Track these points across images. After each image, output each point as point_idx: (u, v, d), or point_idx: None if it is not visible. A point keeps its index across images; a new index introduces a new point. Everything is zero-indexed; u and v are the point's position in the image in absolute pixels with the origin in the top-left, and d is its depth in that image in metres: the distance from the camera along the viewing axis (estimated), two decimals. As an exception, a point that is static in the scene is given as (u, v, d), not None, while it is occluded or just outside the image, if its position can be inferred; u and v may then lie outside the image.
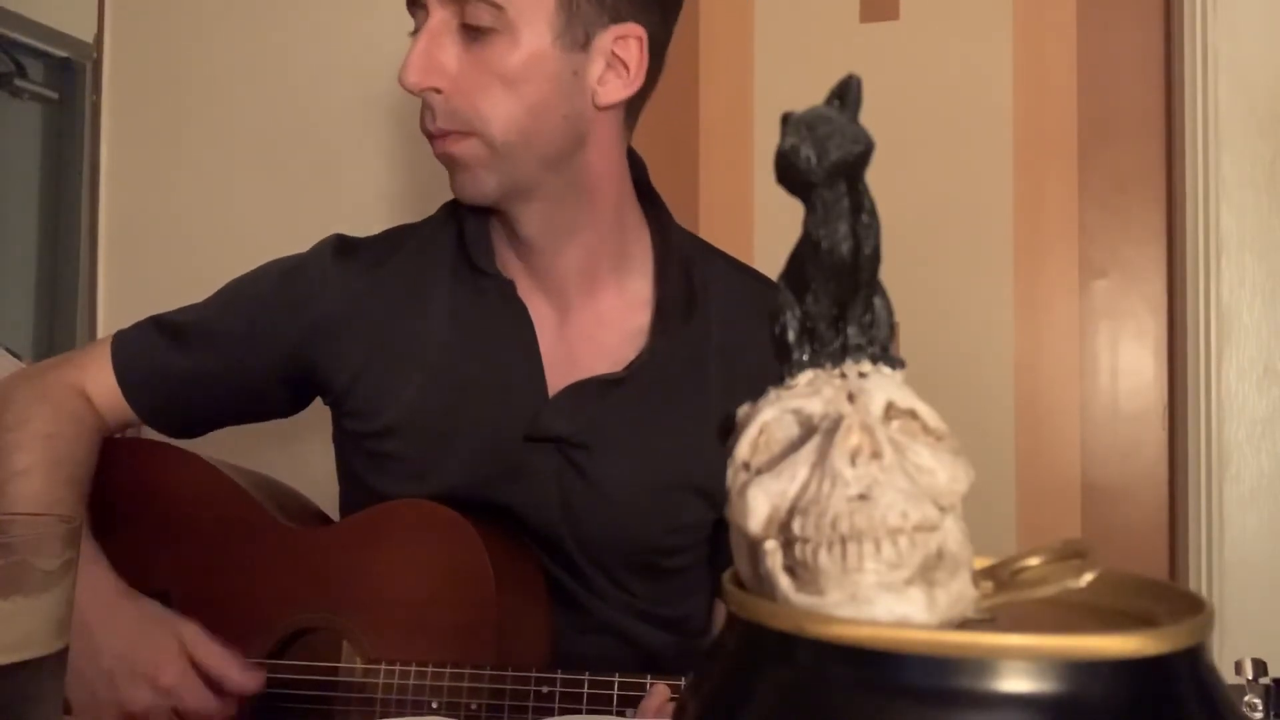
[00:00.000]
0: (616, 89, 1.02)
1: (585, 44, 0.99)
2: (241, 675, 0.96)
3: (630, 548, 1.06)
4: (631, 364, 1.04)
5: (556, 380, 1.05)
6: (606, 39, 1.00)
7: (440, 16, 0.98)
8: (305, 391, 1.14)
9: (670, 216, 1.12)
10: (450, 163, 1.02)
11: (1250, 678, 0.67)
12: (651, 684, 0.91)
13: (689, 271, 1.08)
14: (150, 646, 0.94)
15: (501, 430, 1.04)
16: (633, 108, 1.07)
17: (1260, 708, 0.66)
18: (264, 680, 0.97)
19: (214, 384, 1.11)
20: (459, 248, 1.09)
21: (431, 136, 1.01)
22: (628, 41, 1.01)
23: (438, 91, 0.99)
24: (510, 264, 1.08)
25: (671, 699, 0.90)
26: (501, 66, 0.97)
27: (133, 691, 0.93)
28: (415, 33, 1.00)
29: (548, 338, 1.06)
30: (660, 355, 1.05)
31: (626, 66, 1.01)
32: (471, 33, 0.97)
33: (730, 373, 1.06)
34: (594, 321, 1.08)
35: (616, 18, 1.00)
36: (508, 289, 1.06)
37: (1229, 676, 0.66)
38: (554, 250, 1.06)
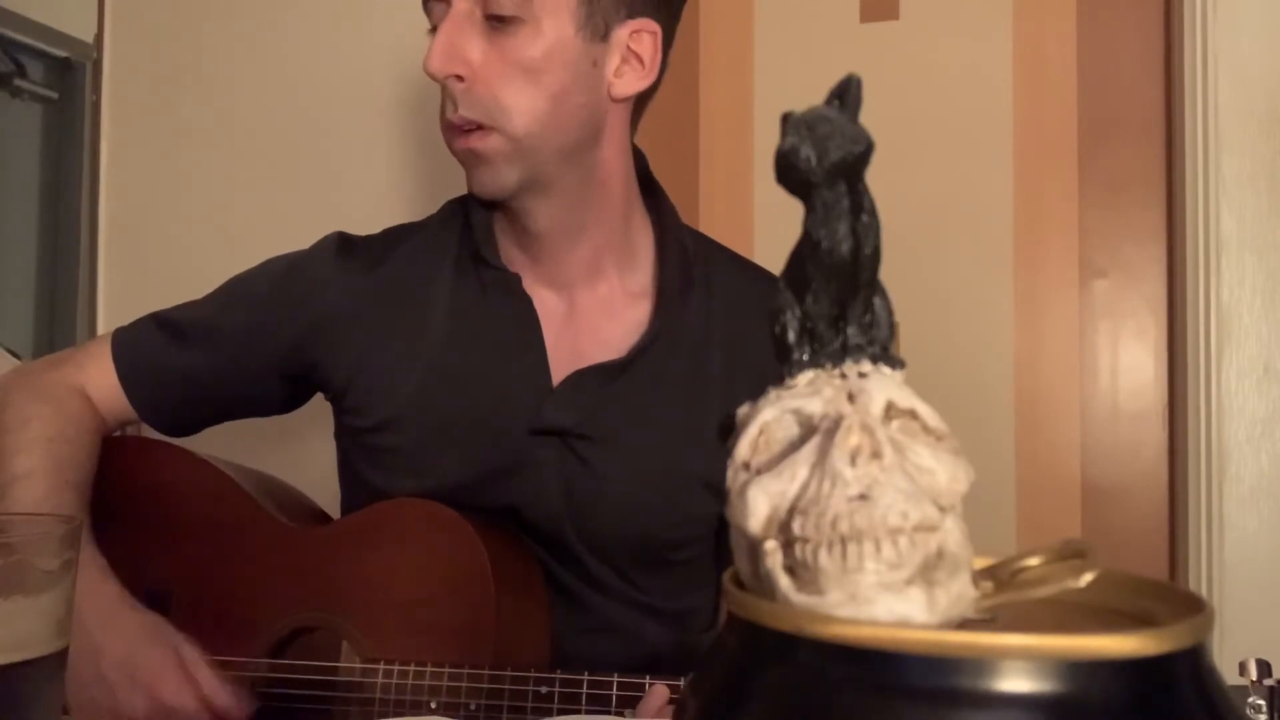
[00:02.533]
0: (631, 81, 1.04)
1: (605, 35, 1.01)
2: (228, 701, 0.96)
3: (636, 541, 1.06)
4: (632, 351, 1.05)
5: (560, 373, 1.05)
6: (623, 33, 1.02)
7: (463, 7, 1.00)
8: (305, 388, 1.14)
9: (672, 209, 1.13)
10: (471, 158, 1.03)
11: (1254, 678, 0.67)
12: (651, 684, 0.91)
13: (689, 262, 1.09)
14: (150, 656, 0.94)
15: (504, 424, 1.04)
16: (639, 105, 1.08)
17: (1265, 709, 0.66)
18: (251, 710, 0.97)
19: (215, 381, 1.11)
20: (461, 244, 1.10)
21: (453, 128, 1.02)
22: (642, 36, 1.03)
23: (460, 80, 1.00)
24: (515, 259, 1.09)
25: (672, 700, 0.90)
26: (524, 56, 0.99)
27: (130, 699, 0.93)
28: (434, 30, 1.01)
29: (552, 331, 1.07)
30: (661, 342, 1.05)
31: (641, 61, 1.04)
32: (495, 22, 0.99)
33: (732, 366, 1.07)
34: (597, 314, 1.08)
35: (633, 13, 1.02)
36: (513, 283, 1.07)
37: (1231, 677, 0.66)
38: (564, 246, 1.07)
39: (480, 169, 1.03)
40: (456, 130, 1.02)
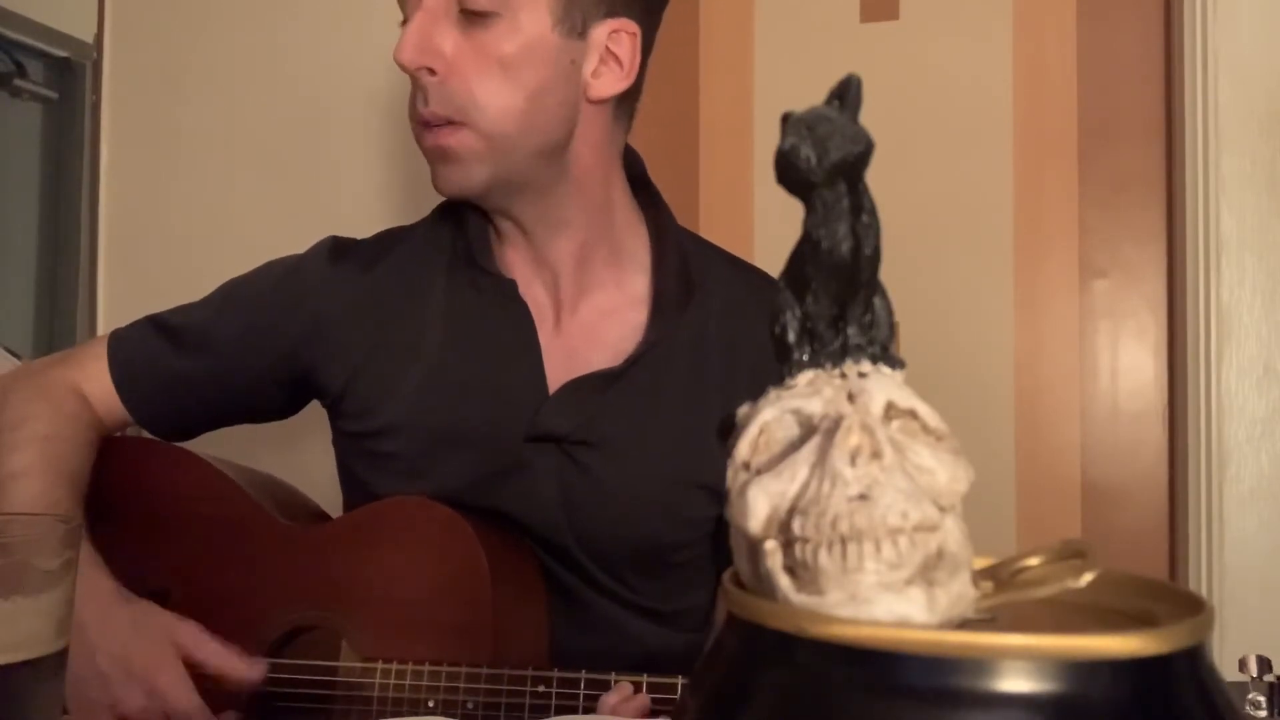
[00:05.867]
0: (609, 83, 1.02)
1: (583, 33, 1.00)
2: (243, 667, 0.96)
3: (634, 545, 1.06)
4: (629, 357, 1.04)
5: (556, 379, 1.05)
6: (602, 32, 1.01)
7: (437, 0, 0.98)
8: (301, 393, 1.13)
9: (668, 212, 1.12)
10: (441, 155, 1.01)
11: (1254, 675, 0.67)
12: (616, 682, 0.91)
13: (686, 265, 1.08)
14: (145, 649, 0.94)
15: (501, 430, 1.04)
16: (623, 108, 1.07)
17: (1264, 705, 0.66)
18: (266, 670, 0.97)
19: (210, 386, 1.11)
20: (455, 248, 1.09)
21: (423, 123, 1.01)
22: (621, 36, 1.02)
23: (432, 73, 0.99)
24: (508, 264, 1.08)
25: (659, 699, 0.90)
26: (500, 51, 0.97)
27: (126, 693, 0.93)
28: (405, 23, 1.00)
29: (547, 336, 1.06)
30: (659, 347, 1.05)
31: (619, 62, 1.02)
32: (470, 17, 0.98)
33: (730, 367, 1.06)
34: (593, 319, 1.08)
35: (612, 12, 1.01)
36: (508, 288, 1.06)
37: (1232, 675, 0.66)
38: (546, 239, 1.07)
39: (448, 166, 1.01)
40: (426, 125, 1.00)
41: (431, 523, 1.00)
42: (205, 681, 0.96)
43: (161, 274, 1.77)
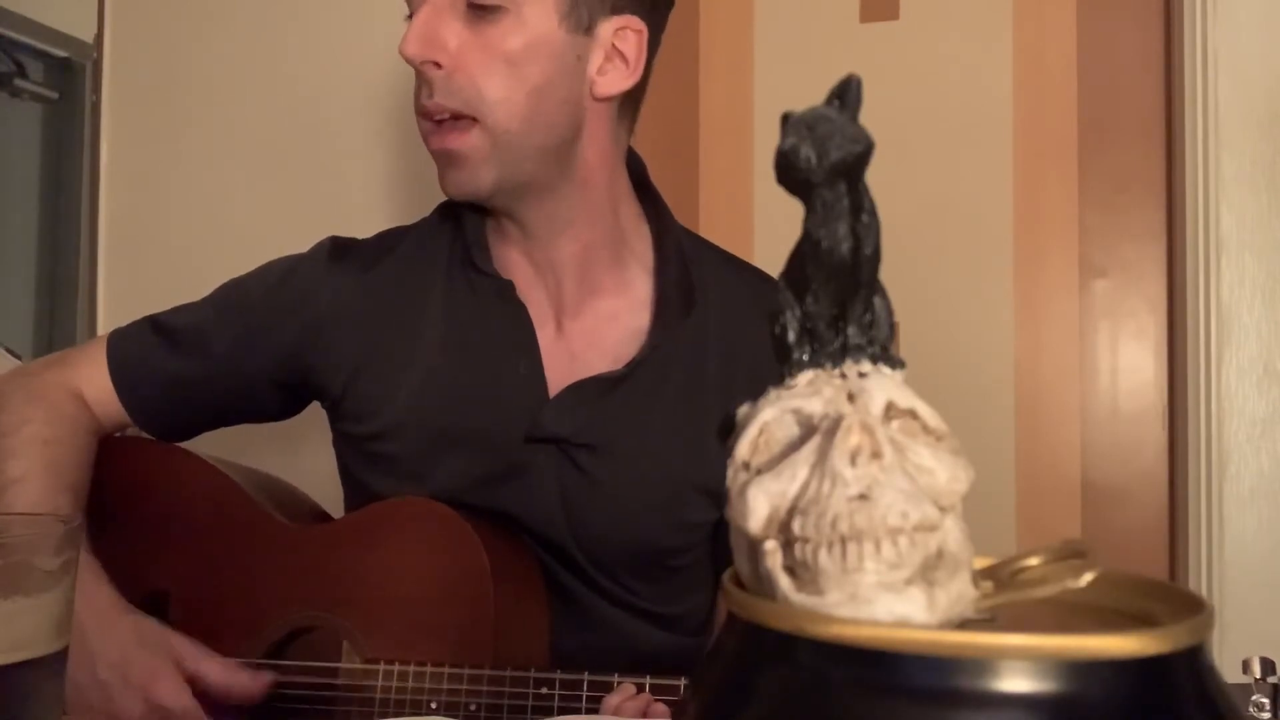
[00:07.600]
0: (615, 80, 1.02)
1: (589, 29, 1.00)
2: (246, 680, 0.96)
3: (634, 548, 1.05)
4: (631, 361, 1.04)
5: (557, 380, 1.04)
6: (607, 29, 1.00)
7: None
8: (300, 394, 1.13)
9: (670, 214, 1.12)
10: (448, 158, 1.01)
11: (1258, 676, 0.67)
12: (619, 683, 0.91)
13: (688, 268, 1.08)
14: (145, 659, 0.94)
15: (501, 431, 1.04)
16: (627, 106, 1.07)
17: (1268, 707, 0.66)
18: (270, 683, 0.97)
19: (209, 387, 1.11)
20: (454, 249, 1.09)
21: (428, 117, 1.01)
22: (626, 34, 1.01)
23: (438, 66, 0.98)
24: (508, 265, 1.08)
25: (662, 700, 0.90)
26: (505, 46, 0.97)
27: (126, 702, 0.93)
28: (410, 17, 1.00)
29: (547, 338, 1.06)
30: (661, 352, 1.04)
31: (625, 59, 1.02)
32: (476, 12, 0.97)
33: (730, 370, 1.06)
34: (594, 321, 1.07)
35: (618, 8, 1.01)
36: (506, 289, 1.06)
37: (1232, 677, 0.66)
38: (549, 241, 1.06)
39: (455, 169, 1.01)
40: (432, 123, 1.00)
41: (432, 523, 0.99)
42: (207, 696, 0.96)
43: (161, 274, 1.77)
